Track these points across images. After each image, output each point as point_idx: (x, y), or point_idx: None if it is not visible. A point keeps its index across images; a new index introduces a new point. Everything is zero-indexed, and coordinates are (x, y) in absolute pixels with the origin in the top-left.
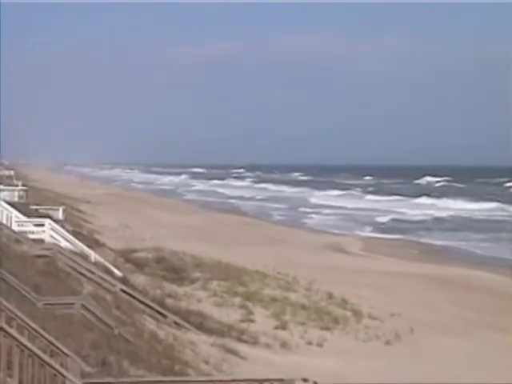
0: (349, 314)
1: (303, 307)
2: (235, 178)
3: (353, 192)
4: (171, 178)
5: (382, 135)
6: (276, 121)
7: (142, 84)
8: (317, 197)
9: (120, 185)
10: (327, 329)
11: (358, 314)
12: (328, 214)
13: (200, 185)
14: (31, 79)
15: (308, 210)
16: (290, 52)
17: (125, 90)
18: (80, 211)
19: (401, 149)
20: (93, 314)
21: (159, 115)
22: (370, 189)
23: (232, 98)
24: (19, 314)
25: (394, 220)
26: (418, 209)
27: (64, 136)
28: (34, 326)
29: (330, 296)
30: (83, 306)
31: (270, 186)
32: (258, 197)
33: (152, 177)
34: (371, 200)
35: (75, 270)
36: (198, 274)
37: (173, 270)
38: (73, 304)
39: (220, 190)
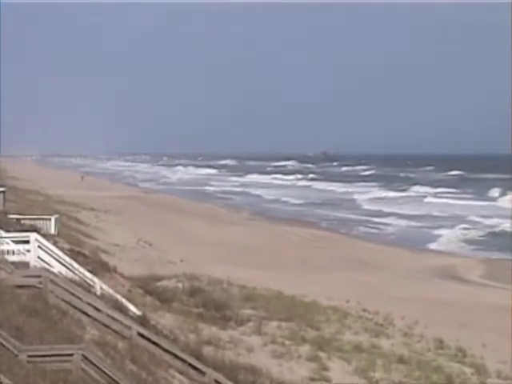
0: (468, 370)
1: (401, 360)
2: (275, 172)
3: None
4: (207, 170)
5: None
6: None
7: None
8: (363, 200)
9: (127, 182)
10: None
11: (481, 371)
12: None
13: (235, 182)
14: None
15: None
16: None
17: (129, 59)
18: (81, 222)
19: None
20: (98, 368)
21: (176, 86)
22: (446, 189)
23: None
24: None
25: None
26: None
27: (54, 121)
28: None
29: (441, 344)
30: (85, 358)
31: (317, 185)
32: (297, 201)
33: (165, 172)
34: (445, 204)
35: (73, 306)
36: (248, 312)
37: (213, 305)
38: (70, 355)
39: (258, 192)
